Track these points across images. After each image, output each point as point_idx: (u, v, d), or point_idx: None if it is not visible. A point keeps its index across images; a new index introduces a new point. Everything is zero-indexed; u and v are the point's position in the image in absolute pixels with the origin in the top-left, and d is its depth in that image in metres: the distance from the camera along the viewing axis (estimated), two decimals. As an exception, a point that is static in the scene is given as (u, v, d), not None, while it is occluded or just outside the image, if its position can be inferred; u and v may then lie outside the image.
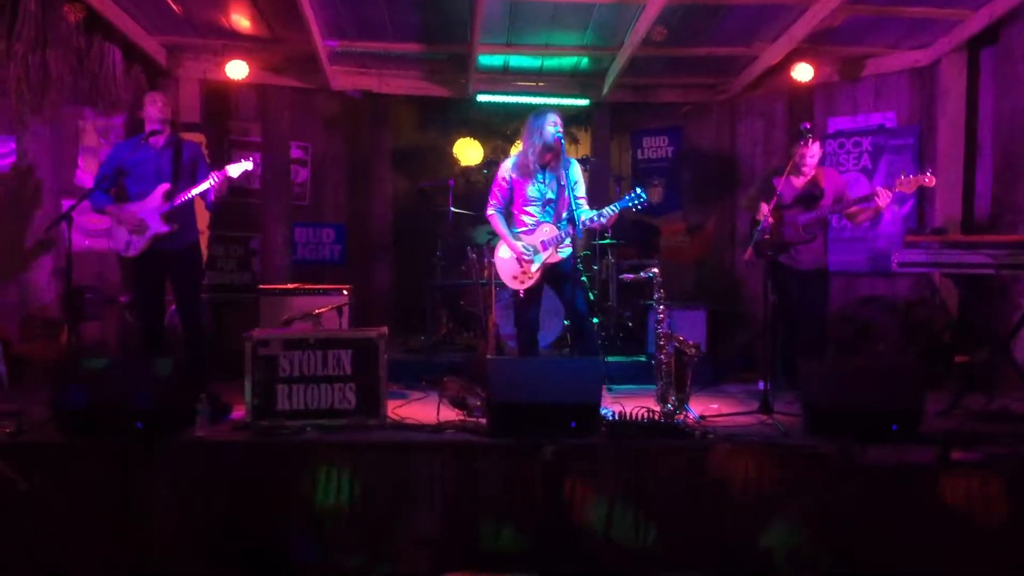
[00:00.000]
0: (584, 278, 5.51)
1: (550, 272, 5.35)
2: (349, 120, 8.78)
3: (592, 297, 6.54)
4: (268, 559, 4.15)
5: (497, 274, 5.56)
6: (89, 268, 6.95)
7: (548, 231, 5.30)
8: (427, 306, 7.64)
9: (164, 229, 5.20)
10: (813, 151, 5.70)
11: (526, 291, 5.39)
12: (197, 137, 6.93)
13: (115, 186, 5.41)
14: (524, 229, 5.42)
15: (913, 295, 7.03)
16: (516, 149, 9.41)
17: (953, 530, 4.04)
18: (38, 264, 6.68)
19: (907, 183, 5.33)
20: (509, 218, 5.50)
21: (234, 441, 4.43)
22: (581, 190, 5.37)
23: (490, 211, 5.49)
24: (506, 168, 5.49)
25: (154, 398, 4.37)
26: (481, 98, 8.43)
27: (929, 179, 5.31)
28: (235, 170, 5.15)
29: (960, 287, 5.93)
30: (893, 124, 7.48)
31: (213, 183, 5.17)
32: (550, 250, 5.28)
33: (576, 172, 5.39)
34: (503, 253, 5.47)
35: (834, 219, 7.16)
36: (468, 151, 9.47)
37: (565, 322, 6.82)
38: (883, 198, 5.36)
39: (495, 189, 5.50)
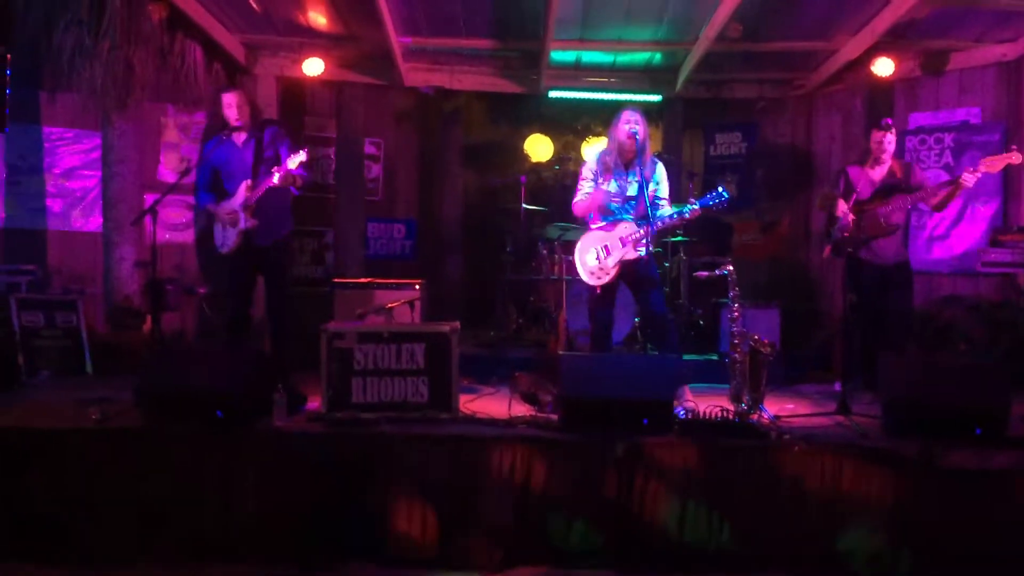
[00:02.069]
0: (656, 275, 5.46)
1: (627, 270, 5.30)
2: (421, 116, 8.86)
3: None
4: (340, 548, 4.21)
5: (574, 269, 5.57)
6: (169, 260, 7.16)
7: (625, 228, 5.26)
8: (497, 301, 7.66)
9: (249, 224, 5.30)
10: (890, 138, 5.58)
11: (602, 288, 5.37)
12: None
13: (214, 185, 5.54)
14: (603, 225, 5.40)
15: (997, 296, 6.82)
16: (587, 145, 9.44)
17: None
18: (121, 256, 6.88)
19: (992, 163, 5.16)
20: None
21: (309, 432, 4.50)
22: (663, 191, 5.34)
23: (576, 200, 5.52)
24: (590, 163, 5.50)
25: (233, 388, 4.47)
26: (553, 94, 8.42)
27: (1015, 156, 5.13)
28: (292, 162, 5.19)
29: (1048, 287, 5.74)
30: (978, 120, 7.26)
31: (276, 179, 5.22)
32: (628, 247, 5.23)
33: (660, 172, 5.36)
34: (582, 248, 5.45)
35: (913, 217, 7.01)
36: (539, 147, 9.46)
37: (636, 319, 6.78)
38: (969, 178, 5.19)
39: (579, 183, 5.51)
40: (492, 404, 5.19)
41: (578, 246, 5.49)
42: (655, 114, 9.11)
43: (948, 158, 7.34)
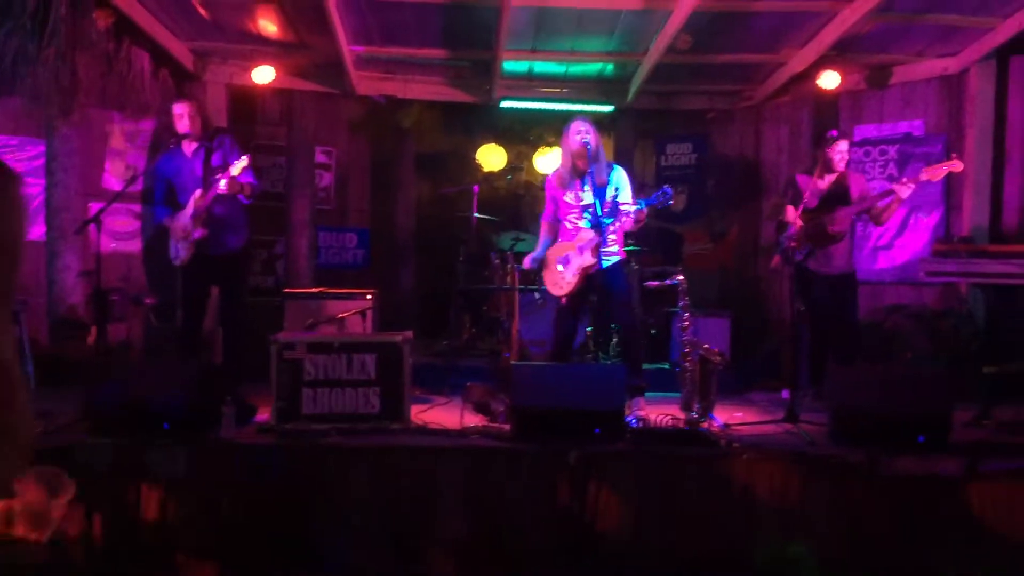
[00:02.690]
0: (625, 288, 5.49)
1: (587, 278, 5.28)
2: (373, 125, 8.81)
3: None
4: (291, 560, 4.16)
5: (526, 279, 5.59)
6: (115, 270, 7.02)
7: (583, 236, 5.26)
8: (450, 311, 7.65)
9: (199, 234, 5.25)
10: (842, 147, 5.70)
11: (567, 298, 5.35)
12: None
13: (170, 198, 5.48)
14: (567, 235, 5.42)
15: (940, 305, 6.96)
16: (539, 155, 9.47)
17: (982, 543, 4.00)
18: (65, 266, 6.74)
19: (934, 171, 5.27)
20: (557, 226, 5.52)
21: (259, 444, 4.45)
22: (624, 195, 5.34)
23: (542, 220, 5.66)
24: (550, 178, 5.57)
25: (181, 400, 4.40)
26: (505, 104, 8.43)
27: (955, 164, 5.25)
28: (236, 168, 5.16)
29: (988, 296, 5.87)
30: (920, 132, 7.42)
31: (223, 185, 5.18)
32: (585, 254, 5.22)
33: (619, 178, 5.37)
34: (548, 260, 5.47)
35: (859, 227, 7.13)
36: (491, 157, 9.47)
37: (588, 328, 6.80)
38: (903, 189, 5.31)
39: (546, 200, 5.62)
40: (444, 414, 5.18)
41: (546, 258, 5.52)
42: (607, 125, 9.18)
43: (892, 169, 7.49)
